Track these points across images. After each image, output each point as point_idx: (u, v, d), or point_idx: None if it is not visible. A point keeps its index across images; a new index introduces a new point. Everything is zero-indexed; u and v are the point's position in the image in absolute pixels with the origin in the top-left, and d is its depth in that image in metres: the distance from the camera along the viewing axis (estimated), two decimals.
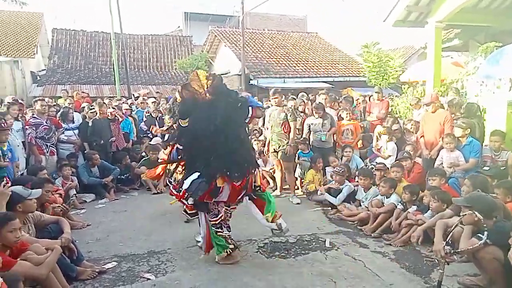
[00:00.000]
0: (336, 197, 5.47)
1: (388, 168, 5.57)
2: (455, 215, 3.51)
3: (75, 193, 6.03)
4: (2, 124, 4.91)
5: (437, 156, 5.46)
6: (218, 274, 3.53)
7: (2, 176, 4.53)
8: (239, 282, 3.38)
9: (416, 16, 8.69)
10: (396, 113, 8.92)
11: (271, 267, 3.67)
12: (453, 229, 3.12)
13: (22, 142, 5.92)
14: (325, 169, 6.41)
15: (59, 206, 4.50)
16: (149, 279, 3.45)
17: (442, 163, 5.29)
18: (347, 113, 6.98)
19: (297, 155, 6.57)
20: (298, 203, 5.90)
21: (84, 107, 8.20)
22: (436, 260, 3.62)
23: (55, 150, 6.54)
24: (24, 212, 3.34)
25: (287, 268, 3.66)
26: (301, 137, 6.75)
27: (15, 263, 2.63)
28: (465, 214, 3.05)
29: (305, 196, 6.27)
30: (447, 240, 3.10)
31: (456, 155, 5.19)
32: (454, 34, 10.73)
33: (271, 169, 6.84)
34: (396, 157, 6.02)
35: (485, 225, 2.94)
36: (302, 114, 7.35)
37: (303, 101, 8.07)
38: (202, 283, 3.36)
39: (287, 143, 5.92)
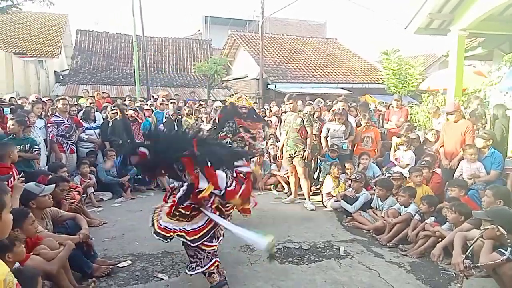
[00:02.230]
0: (352, 205, 5.40)
1: (405, 178, 5.48)
2: (474, 228, 3.42)
3: (93, 191, 6.15)
4: (27, 121, 5.12)
5: (457, 167, 5.34)
6: (231, 277, 3.51)
7: (30, 170, 4.68)
8: (252, 286, 3.38)
9: (438, 24, 8.54)
10: (415, 122, 8.78)
11: (284, 273, 3.65)
12: (474, 243, 3.04)
13: (44, 139, 6.09)
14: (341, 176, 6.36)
15: (73, 202, 4.58)
16: (162, 279, 3.48)
17: (462, 174, 5.17)
18: (366, 122, 6.91)
19: (322, 157, 6.60)
20: (312, 210, 5.86)
21: (106, 106, 8.36)
22: (454, 273, 3.54)
23: (75, 148, 6.69)
24: (38, 208, 3.41)
25: (300, 274, 3.63)
26: (318, 142, 6.72)
27: (28, 257, 2.70)
28: (487, 228, 2.97)
29: (320, 202, 6.23)
30: (467, 253, 3.02)
31: (477, 166, 5.06)
32: (477, 42, 10.48)
33: (285, 174, 6.82)
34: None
35: (508, 240, 2.85)
36: (317, 119, 7.32)
37: (319, 107, 8.04)
38: None
39: (303, 148, 5.89)
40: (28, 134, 5.24)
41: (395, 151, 6.55)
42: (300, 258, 4.03)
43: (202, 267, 3.06)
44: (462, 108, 6.73)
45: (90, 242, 3.52)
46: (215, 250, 3.16)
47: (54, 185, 3.75)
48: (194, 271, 3.07)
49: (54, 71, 18.79)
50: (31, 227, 2.87)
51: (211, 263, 3.08)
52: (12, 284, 1.47)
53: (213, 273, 3.08)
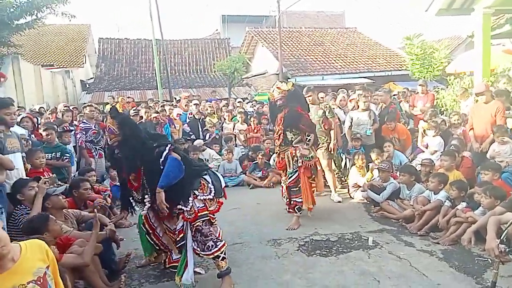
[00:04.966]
0: (379, 195, 5.30)
1: (434, 164, 5.32)
2: (508, 211, 3.27)
3: None
4: (65, 127, 5.40)
5: (488, 150, 5.14)
6: (259, 272, 3.54)
7: (62, 177, 4.88)
8: (280, 280, 3.38)
9: (461, 3, 8.17)
10: (442, 106, 8.51)
11: (312, 266, 3.63)
12: (508, 226, 2.91)
13: (73, 146, 6.32)
14: (368, 166, 6.23)
15: (100, 204, 4.70)
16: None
17: (494, 157, 4.97)
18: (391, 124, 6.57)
19: (348, 154, 6.50)
20: (339, 201, 5.79)
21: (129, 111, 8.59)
22: (489, 259, 3.42)
23: (103, 153, 6.88)
24: (53, 208, 3.52)
25: (329, 266, 3.60)
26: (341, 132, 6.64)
27: (62, 257, 2.82)
28: None
29: (346, 193, 6.14)
30: (501, 238, 2.90)
31: (509, 148, 4.85)
32: (505, 19, 9.98)
33: None
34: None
35: None
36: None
37: (334, 95, 8.01)
38: (243, 280, 3.39)
39: (327, 140, 5.82)
40: (69, 140, 5.48)
41: (423, 137, 6.36)
42: (328, 250, 3.99)
43: (221, 240, 3.28)
44: (491, 88, 6.46)
45: (116, 238, 3.66)
46: None
47: (65, 186, 3.91)
48: (215, 248, 3.21)
49: (80, 80, 19.43)
50: (56, 226, 3.01)
51: (223, 240, 3.31)
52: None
53: (225, 257, 3.25)
